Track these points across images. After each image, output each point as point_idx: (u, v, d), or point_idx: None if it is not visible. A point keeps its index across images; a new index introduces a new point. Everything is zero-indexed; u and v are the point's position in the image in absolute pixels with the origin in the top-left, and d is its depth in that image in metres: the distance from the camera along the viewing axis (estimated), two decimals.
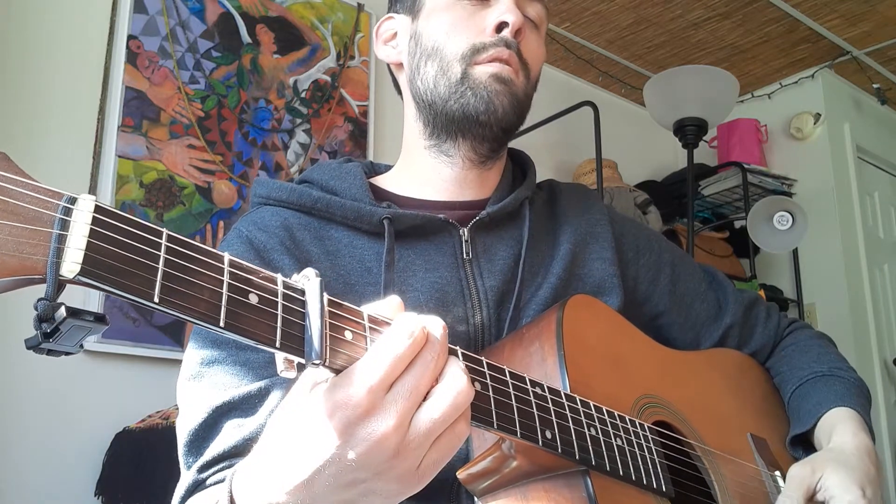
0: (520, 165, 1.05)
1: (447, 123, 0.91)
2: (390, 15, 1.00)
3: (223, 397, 0.77)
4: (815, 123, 3.75)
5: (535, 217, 0.97)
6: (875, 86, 3.85)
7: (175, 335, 2.25)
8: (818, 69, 3.78)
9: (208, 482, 0.75)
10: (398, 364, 0.53)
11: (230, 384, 0.79)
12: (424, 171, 0.95)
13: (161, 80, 2.40)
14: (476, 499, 0.72)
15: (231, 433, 0.76)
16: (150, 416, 2.03)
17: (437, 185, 0.94)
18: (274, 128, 2.64)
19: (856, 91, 3.98)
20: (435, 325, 0.55)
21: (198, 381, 0.80)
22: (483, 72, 0.88)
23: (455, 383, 0.55)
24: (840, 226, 3.64)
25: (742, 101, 3.93)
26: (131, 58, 2.35)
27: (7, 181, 0.43)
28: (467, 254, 0.89)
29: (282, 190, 0.91)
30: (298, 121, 2.70)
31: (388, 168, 1.03)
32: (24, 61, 2.19)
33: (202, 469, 0.76)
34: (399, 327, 0.54)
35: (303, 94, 2.73)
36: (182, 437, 0.79)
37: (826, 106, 3.77)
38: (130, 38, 2.36)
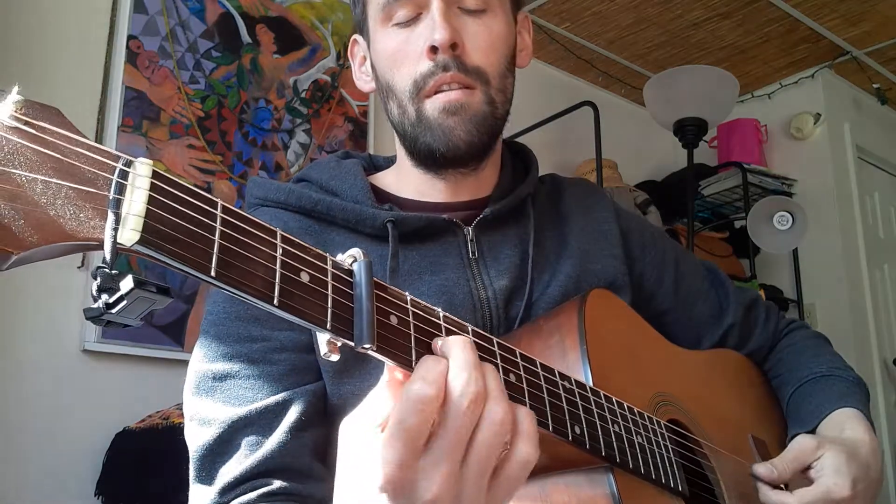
0: (522, 159, 1.03)
1: (423, 159, 0.89)
2: (355, 38, 0.96)
3: (238, 412, 0.76)
4: (815, 123, 3.75)
5: (539, 213, 0.96)
6: (875, 86, 3.85)
7: (175, 335, 2.25)
8: (818, 69, 3.78)
9: None
10: (415, 435, 0.50)
11: (245, 398, 0.77)
12: (418, 183, 0.93)
13: (161, 80, 2.40)
14: None
15: (249, 452, 0.74)
16: (150, 416, 2.03)
17: (433, 194, 0.93)
18: (274, 128, 2.64)
19: (856, 91, 3.98)
20: (465, 383, 0.51)
21: (210, 395, 0.78)
22: (433, 107, 0.84)
23: (493, 431, 0.52)
24: (840, 226, 3.64)
25: (742, 101, 3.92)
26: (131, 58, 2.35)
27: (62, 139, 0.40)
28: (473, 253, 0.88)
29: (280, 191, 0.89)
30: (298, 121, 2.70)
31: (387, 162, 1.01)
32: (25, 61, 2.19)
33: (223, 492, 0.74)
34: (407, 396, 0.50)
35: (303, 94, 2.73)
36: (195, 450, 0.77)
37: (826, 106, 3.77)
38: (130, 38, 2.36)
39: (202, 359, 0.81)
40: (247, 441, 0.75)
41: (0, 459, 1.97)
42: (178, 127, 2.40)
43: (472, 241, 0.89)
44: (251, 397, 0.77)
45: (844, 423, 0.93)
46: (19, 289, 2.05)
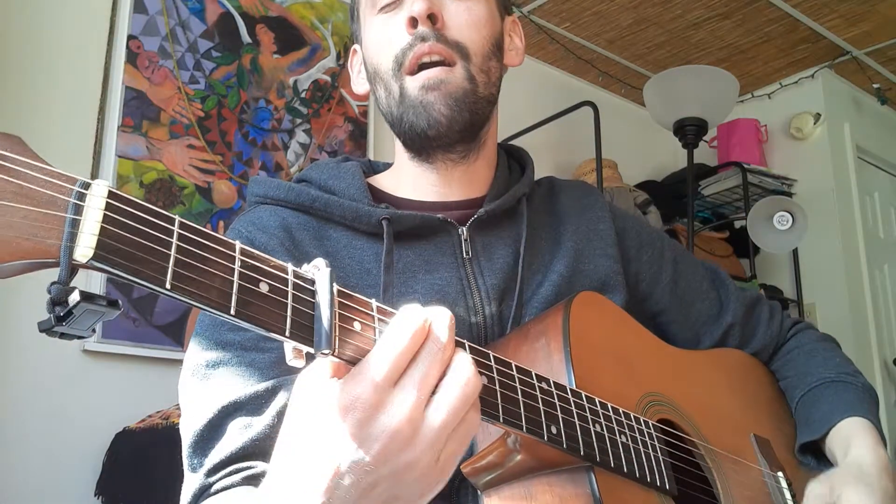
0: (518, 161, 1.04)
1: (409, 140, 0.91)
2: (354, 48, 1.00)
3: (229, 397, 0.77)
4: (815, 123, 3.75)
5: (534, 213, 0.96)
6: (875, 86, 3.85)
7: (175, 335, 2.25)
8: (818, 69, 3.78)
9: (215, 487, 0.74)
10: (401, 358, 0.52)
11: (236, 385, 0.78)
12: (413, 178, 0.94)
13: (161, 80, 2.40)
14: (480, 493, 0.72)
15: (237, 434, 0.75)
16: (150, 416, 2.03)
17: (428, 189, 0.94)
18: (274, 128, 2.64)
19: (856, 91, 3.98)
20: (440, 318, 0.55)
21: (203, 382, 0.79)
22: (413, 85, 0.86)
23: (463, 374, 0.54)
24: (840, 226, 3.64)
25: (742, 101, 3.93)
26: (131, 58, 2.35)
27: (22, 165, 0.43)
28: (467, 253, 0.89)
29: (279, 189, 0.90)
30: (298, 121, 2.70)
31: (385, 167, 1.03)
32: (25, 61, 2.19)
33: (209, 473, 0.75)
34: (400, 321, 0.53)
35: (303, 94, 2.73)
36: (186, 437, 0.78)
37: (826, 106, 3.77)
38: (130, 38, 2.36)
39: (196, 347, 0.82)
40: (234, 424, 0.76)
41: (0, 459, 1.97)
42: (178, 127, 2.40)
43: (466, 240, 0.89)
44: (242, 384, 0.78)
45: (851, 438, 0.93)
46: (19, 289, 2.05)
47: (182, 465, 0.79)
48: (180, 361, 0.84)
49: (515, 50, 0.98)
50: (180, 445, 0.80)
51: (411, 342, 0.53)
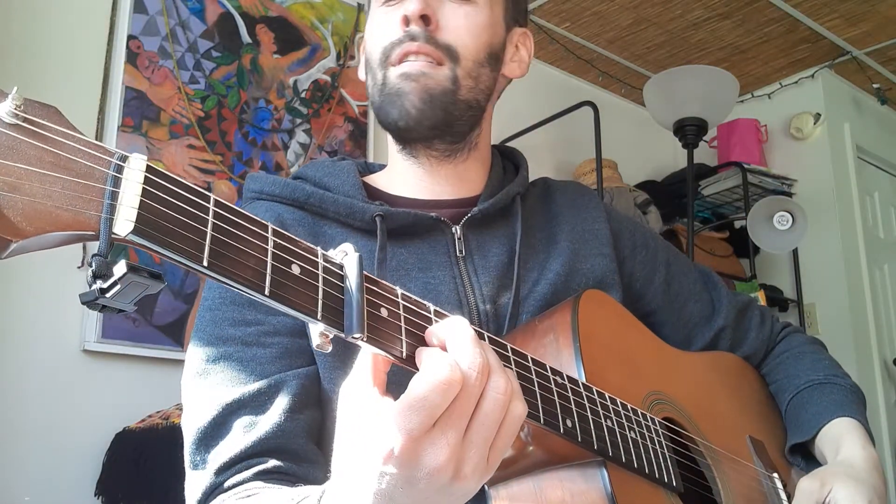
0: (512, 161, 1.04)
1: (387, 130, 0.91)
2: (364, 35, 1.02)
3: (232, 395, 0.77)
4: (814, 123, 3.75)
5: (529, 213, 0.96)
6: (875, 86, 3.85)
7: (175, 335, 2.25)
8: (818, 69, 3.78)
9: (227, 484, 0.74)
10: (435, 412, 0.51)
11: (238, 380, 0.78)
12: (403, 173, 0.95)
13: (161, 80, 2.40)
14: (486, 487, 0.72)
15: (244, 433, 0.75)
16: (150, 416, 2.03)
17: (416, 186, 0.94)
18: (274, 128, 2.64)
19: (856, 91, 3.98)
20: (471, 356, 0.53)
21: (204, 378, 0.79)
22: (394, 73, 0.87)
23: (497, 400, 0.54)
24: (840, 226, 3.64)
25: (742, 101, 3.93)
26: (131, 58, 2.35)
27: (60, 135, 0.43)
28: (461, 251, 0.89)
29: (275, 184, 0.91)
30: (298, 121, 2.70)
31: (381, 168, 1.03)
32: (24, 61, 2.19)
33: (218, 472, 0.75)
34: (431, 376, 0.51)
35: (303, 94, 2.73)
36: (190, 435, 0.78)
37: (826, 106, 3.77)
38: (130, 38, 2.36)
39: (197, 344, 0.82)
40: (240, 422, 0.76)
41: (0, 459, 1.97)
42: (178, 127, 2.40)
43: (459, 239, 0.90)
44: (244, 380, 0.78)
45: (841, 437, 0.94)
46: (19, 289, 2.06)
47: (183, 462, 0.79)
48: (180, 361, 0.84)
49: (519, 62, 0.98)
50: (181, 444, 0.80)
51: (444, 399, 0.51)
